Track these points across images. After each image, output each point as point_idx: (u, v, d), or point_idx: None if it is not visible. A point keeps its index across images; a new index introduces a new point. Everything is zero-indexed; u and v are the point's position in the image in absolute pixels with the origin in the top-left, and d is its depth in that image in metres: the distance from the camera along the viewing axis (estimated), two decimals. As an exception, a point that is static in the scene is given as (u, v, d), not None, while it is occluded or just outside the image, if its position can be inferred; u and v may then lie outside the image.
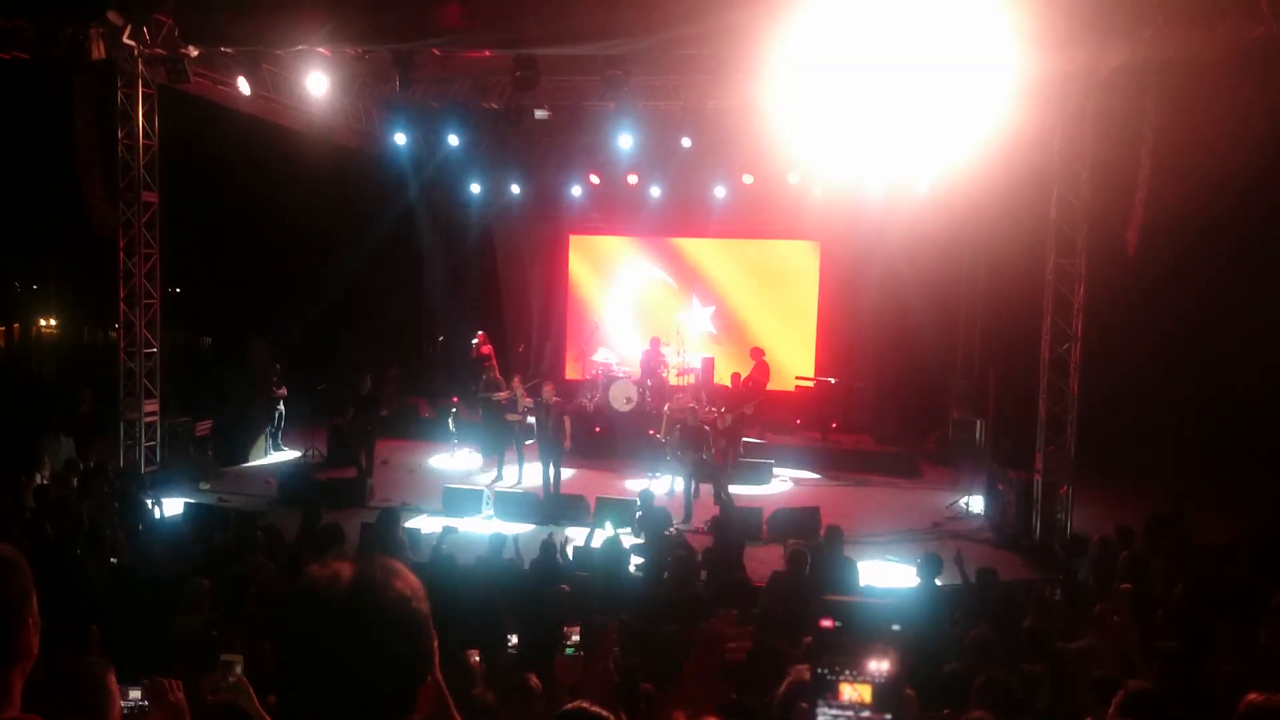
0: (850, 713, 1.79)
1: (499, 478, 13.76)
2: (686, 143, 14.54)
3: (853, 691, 1.79)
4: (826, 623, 1.81)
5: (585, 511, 11.82)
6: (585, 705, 2.72)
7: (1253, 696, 3.52)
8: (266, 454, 15.37)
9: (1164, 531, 9.58)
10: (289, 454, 15.46)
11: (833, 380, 16.73)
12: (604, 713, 2.65)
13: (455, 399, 16.72)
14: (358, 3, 10.88)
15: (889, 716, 1.79)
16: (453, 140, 15.27)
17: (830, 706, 1.79)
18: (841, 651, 1.80)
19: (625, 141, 14.58)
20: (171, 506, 10.84)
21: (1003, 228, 15.18)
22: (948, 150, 13.43)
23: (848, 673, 1.79)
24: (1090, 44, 9.97)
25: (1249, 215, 12.85)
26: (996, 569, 7.80)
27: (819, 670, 1.80)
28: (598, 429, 15.60)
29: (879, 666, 1.79)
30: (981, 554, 10.44)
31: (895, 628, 1.80)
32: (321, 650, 1.35)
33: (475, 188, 19.03)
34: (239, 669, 3.12)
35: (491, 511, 12.01)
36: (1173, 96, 10.72)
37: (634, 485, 13.30)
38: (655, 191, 17.61)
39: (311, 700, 1.36)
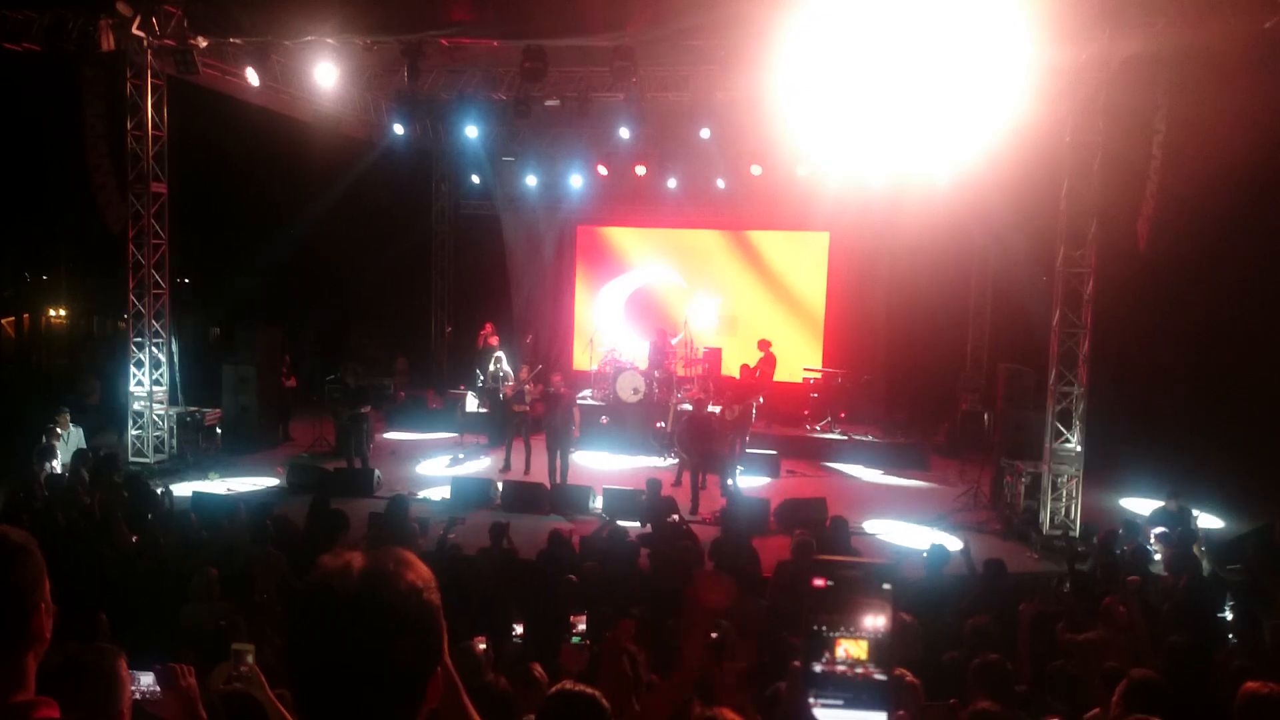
0: (845, 668, 1.78)
1: (506, 467, 13.78)
2: (705, 134, 14.42)
3: (853, 647, 1.78)
4: (819, 582, 1.80)
5: (592, 501, 11.86)
6: (569, 686, 2.73)
7: (1250, 685, 3.52)
8: (275, 444, 15.41)
9: (1171, 525, 9.59)
10: (298, 444, 15.50)
11: (839, 379, 16.66)
12: (589, 690, 2.67)
13: (463, 389, 16.76)
14: (366, -7, 10.90)
15: (884, 672, 1.78)
16: (471, 132, 15.17)
17: (826, 664, 1.78)
18: (836, 609, 1.79)
19: (633, 133, 14.54)
20: (180, 496, 10.89)
21: (1013, 219, 15.14)
22: (958, 141, 13.41)
23: (843, 629, 1.78)
24: (1102, 35, 9.91)
25: (1261, 208, 12.77)
26: (1004, 560, 7.81)
27: (815, 628, 1.79)
28: (605, 419, 15.60)
29: (874, 623, 1.78)
30: (989, 545, 10.45)
31: (886, 586, 1.79)
32: (332, 641, 1.35)
33: (483, 178, 19.02)
34: (251, 658, 3.14)
35: None
36: (1185, 88, 10.66)
37: (641, 475, 13.30)
38: (663, 182, 17.59)
39: (321, 691, 1.36)
